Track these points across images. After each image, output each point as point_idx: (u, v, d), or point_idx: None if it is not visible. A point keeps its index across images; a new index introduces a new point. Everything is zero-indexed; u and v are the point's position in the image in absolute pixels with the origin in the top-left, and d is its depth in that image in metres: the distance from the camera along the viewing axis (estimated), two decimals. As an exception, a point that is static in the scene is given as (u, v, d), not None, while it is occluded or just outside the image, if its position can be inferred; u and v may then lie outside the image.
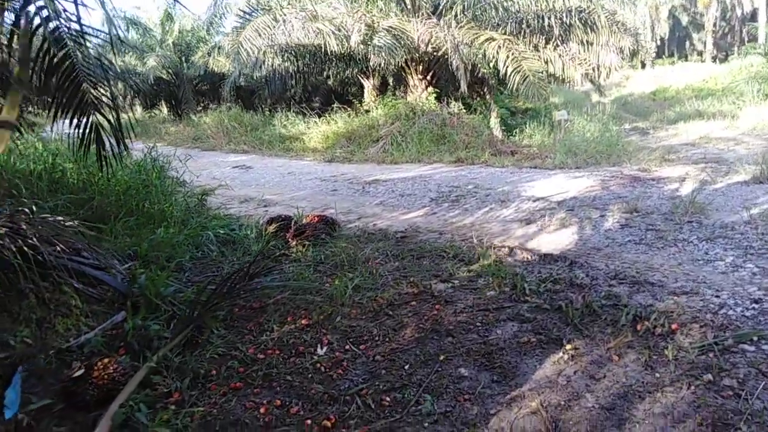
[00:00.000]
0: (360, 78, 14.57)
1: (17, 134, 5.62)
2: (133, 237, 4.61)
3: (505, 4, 11.71)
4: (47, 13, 3.60)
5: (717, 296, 3.27)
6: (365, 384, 2.63)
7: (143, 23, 20.31)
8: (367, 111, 13.47)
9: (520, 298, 3.43)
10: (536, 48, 11.42)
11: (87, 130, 4.01)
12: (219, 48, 18.17)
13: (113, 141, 4.07)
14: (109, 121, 3.99)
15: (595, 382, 2.48)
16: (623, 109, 18.64)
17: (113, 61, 5.18)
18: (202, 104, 20.01)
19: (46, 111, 4.76)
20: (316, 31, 10.94)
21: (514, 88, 10.48)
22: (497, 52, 10.11)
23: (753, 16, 37.56)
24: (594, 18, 10.88)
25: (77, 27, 3.79)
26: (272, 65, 13.54)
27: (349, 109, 13.86)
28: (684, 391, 2.34)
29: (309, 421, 2.37)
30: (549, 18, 10.88)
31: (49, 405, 2.49)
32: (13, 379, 2.47)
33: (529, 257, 4.28)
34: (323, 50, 11.65)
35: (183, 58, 19.31)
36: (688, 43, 46.37)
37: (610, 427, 2.17)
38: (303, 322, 3.33)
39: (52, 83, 3.89)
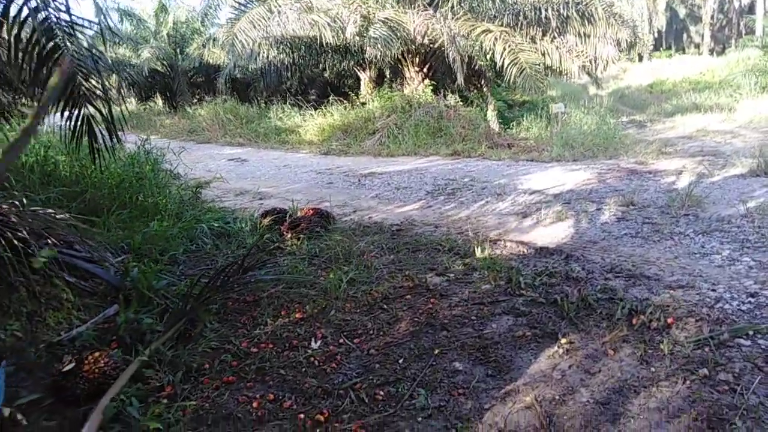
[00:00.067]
0: (356, 70, 14.48)
1: (7, 126, 5.57)
2: (126, 230, 4.57)
3: (502, -5, 11.64)
4: (36, 3, 3.55)
5: (713, 290, 3.26)
6: (359, 378, 2.61)
7: (137, 14, 20.11)
8: (364, 103, 13.40)
9: (516, 292, 3.42)
10: (533, 40, 11.36)
11: (79, 122, 3.97)
12: (214, 40, 18.01)
13: (105, 133, 4.03)
14: (101, 112, 3.94)
15: (590, 377, 2.47)
16: (620, 101, 18.62)
17: (104, 52, 5.11)
18: (197, 96, 19.87)
19: (35, 102, 4.70)
20: (312, 22, 10.84)
21: (511, 81, 10.43)
22: (494, 44, 10.06)
23: (751, 9, 37.51)
24: (591, 10, 10.83)
25: (67, 17, 3.75)
26: (267, 57, 13.44)
27: (345, 101, 13.78)
28: (679, 385, 2.33)
29: (302, 416, 2.35)
30: (546, 10, 10.82)
31: (38, 399, 2.47)
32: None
33: (525, 250, 4.27)
34: (319, 42, 11.54)
35: (178, 50, 19.14)
36: (685, 36, 46.31)
37: (605, 422, 2.16)
38: (297, 315, 3.31)
39: (43, 75, 3.84)
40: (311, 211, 5.28)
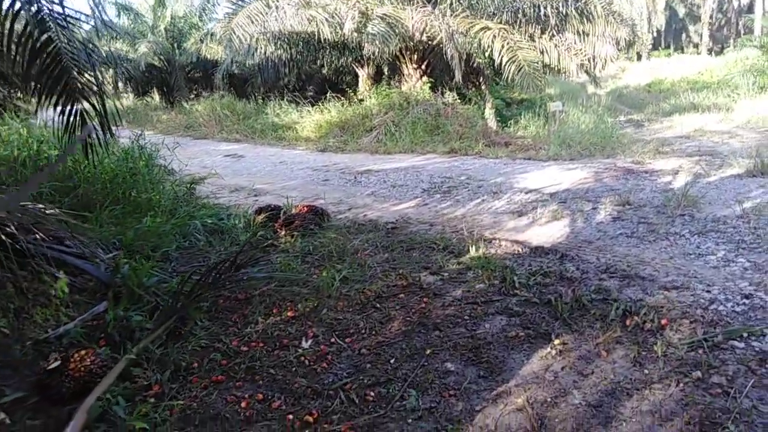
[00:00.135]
0: (354, 67, 14.41)
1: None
2: (118, 226, 4.53)
3: (501, -8, 11.59)
4: (28, -5, 3.50)
5: (708, 291, 3.24)
6: (350, 378, 2.58)
7: (134, 9, 19.99)
8: (361, 100, 13.34)
9: (510, 292, 3.39)
10: (532, 38, 11.30)
11: (72, 117, 3.92)
12: (212, 35, 17.94)
13: (99, 128, 3.98)
14: (94, 107, 3.90)
15: (583, 379, 2.44)
16: (619, 101, 18.60)
17: (99, 46, 5.06)
18: (194, 92, 19.79)
19: (29, 97, 4.66)
20: (310, 18, 10.77)
21: (510, 79, 10.38)
22: (492, 42, 10.01)
23: (750, 8, 37.52)
24: (590, 8, 10.78)
25: (60, 9, 3.70)
26: (265, 53, 13.36)
27: (342, 98, 13.72)
28: (672, 388, 2.31)
29: (291, 416, 2.32)
30: (545, 7, 10.77)
31: (23, 397, 2.43)
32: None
33: (520, 250, 4.24)
34: (317, 38, 11.49)
35: (175, 45, 19.05)
36: (684, 35, 46.31)
37: (597, 425, 2.13)
38: (289, 314, 3.28)
39: (36, 68, 3.80)
40: (306, 209, 5.25)
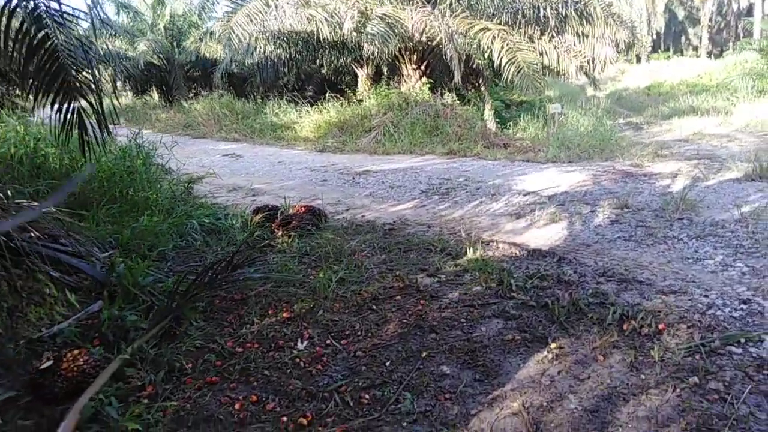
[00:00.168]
0: (354, 67, 14.40)
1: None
2: (115, 224, 4.51)
3: (501, -7, 11.58)
4: (25, -9, 3.48)
5: (705, 296, 3.22)
6: (344, 381, 2.56)
7: (134, 7, 19.95)
8: (360, 101, 13.33)
9: (507, 295, 3.37)
10: (531, 39, 11.30)
11: (69, 114, 3.90)
12: (211, 33, 17.91)
13: (96, 125, 3.96)
14: (91, 104, 3.88)
15: (579, 383, 2.43)
16: (618, 103, 18.61)
17: (96, 43, 5.04)
18: (193, 91, 19.75)
19: (26, 94, 4.63)
20: (309, 17, 10.76)
21: (509, 80, 10.37)
22: (492, 43, 10.00)
23: (749, 11, 37.58)
24: (590, 9, 10.77)
25: (56, 6, 3.68)
26: (264, 52, 13.33)
27: (342, 98, 13.71)
28: (669, 393, 2.29)
29: (285, 418, 2.31)
30: (545, 8, 10.76)
31: (15, 397, 2.42)
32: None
33: (517, 252, 4.22)
34: (316, 37, 11.47)
35: (174, 44, 19.02)
36: (683, 38, 46.37)
37: (593, 430, 2.12)
38: (284, 315, 3.26)
39: (32, 65, 3.78)
40: (303, 209, 5.23)
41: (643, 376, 2.43)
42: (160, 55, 18.44)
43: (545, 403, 2.30)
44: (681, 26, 45.68)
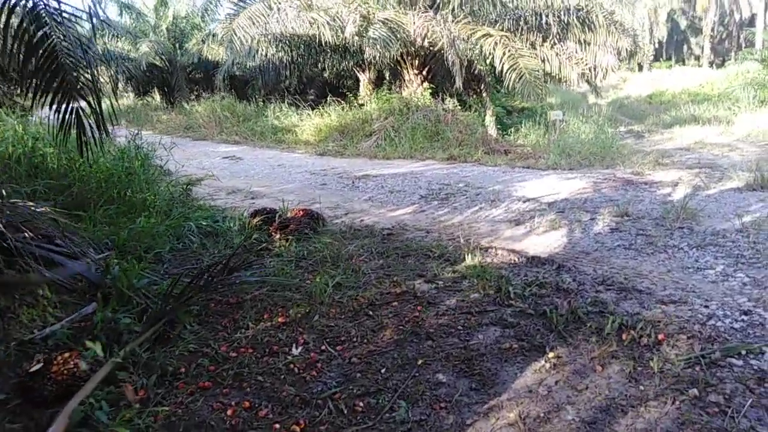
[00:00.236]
0: (356, 71, 14.40)
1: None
2: (112, 226, 4.48)
3: (503, 0, 11.58)
4: (24, -11, 3.46)
5: (706, 306, 3.19)
6: (339, 387, 2.53)
7: (137, 8, 19.98)
8: (362, 105, 13.32)
9: (504, 302, 3.34)
10: (533, 46, 11.30)
11: (67, 114, 3.88)
12: (213, 36, 17.93)
13: (95, 126, 3.94)
14: (90, 104, 3.86)
15: (577, 394, 2.39)
16: (619, 111, 18.60)
17: (96, 43, 5.02)
18: (195, 93, 19.75)
19: (24, 93, 4.62)
20: (311, 20, 10.75)
21: (511, 86, 10.36)
22: (494, 49, 9.99)
23: (751, 22, 37.65)
24: (592, 17, 10.78)
25: (56, 5, 3.66)
26: (266, 55, 13.33)
27: (343, 102, 13.70)
28: (668, 406, 2.25)
29: (277, 425, 2.27)
30: (547, 16, 10.76)
31: (4, 400, 2.38)
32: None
33: (516, 259, 4.19)
34: (318, 41, 11.46)
35: (177, 45, 19.03)
36: (686, 47, 46.43)
37: (590, 442, 2.08)
38: (280, 320, 3.23)
39: (31, 64, 3.76)
40: (301, 213, 5.20)
41: (642, 388, 2.39)
42: (163, 57, 18.45)
43: (542, 414, 2.26)
44: (683, 35, 45.75)
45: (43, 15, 3.67)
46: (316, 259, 4.22)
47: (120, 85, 19.92)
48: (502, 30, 10.65)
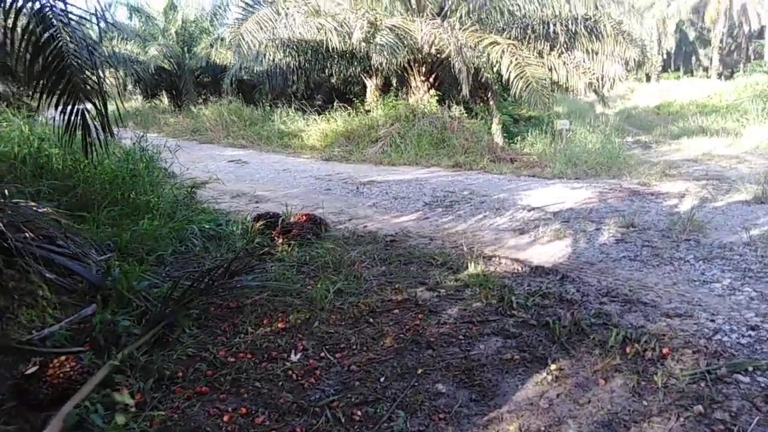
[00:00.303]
0: (363, 77, 14.43)
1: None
2: (115, 227, 4.48)
3: (511, 8, 11.57)
4: (31, -8, 3.48)
5: (712, 320, 3.13)
6: (337, 395, 2.49)
7: (146, 11, 20.13)
8: (368, 111, 13.33)
9: (507, 312, 3.29)
10: (540, 54, 11.28)
11: (73, 116, 3.88)
12: (222, 40, 18.03)
13: (100, 127, 3.94)
14: (95, 106, 3.86)
15: (579, 407, 2.34)
16: (627, 121, 18.54)
17: (102, 45, 5.04)
18: (202, 96, 19.84)
19: (32, 94, 4.63)
20: (318, 26, 10.78)
21: (517, 95, 10.34)
22: (501, 57, 9.99)
23: (760, 34, 37.53)
24: (600, 27, 10.75)
25: (62, 6, 3.67)
26: (273, 59, 13.38)
27: (349, 108, 13.72)
28: (672, 422, 2.20)
29: (273, 433, 2.24)
30: (554, 25, 10.74)
31: (-1, 401, 2.36)
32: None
33: (520, 268, 4.15)
34: (325, 47, 11.49)
35: (185, 49, 19.15)
36: (694, 59, 46.28)
37: (592, 457, 2.04)
38: (279, 325, 3.20)
39: (38, 66, 3.77)
40: (305, 217, 5.18)
41: (645, 403, 2.34)
42: (171, 60, 18.56)
43: (543, 428, 2.21)
44: (692, 47, 45.63)
45: (50, 17, 3.68)
46: (318, 264, 4.19)
47: (128, 88, 20.05)
48: (509, 38, 10.64)
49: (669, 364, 2.64)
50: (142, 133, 6.19)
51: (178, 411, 2.41)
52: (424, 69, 12.38)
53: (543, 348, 2.85)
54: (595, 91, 13.20)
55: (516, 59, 9.92)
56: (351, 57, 13.06)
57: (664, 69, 43.05)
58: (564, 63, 11.27)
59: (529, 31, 11.11)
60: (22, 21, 3.70)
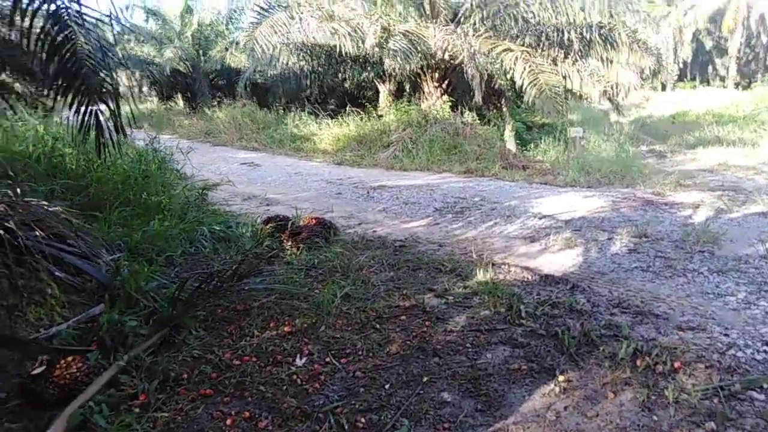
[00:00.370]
0: (376, 82, 14.44)
1: (13, 114, 5.55)
2: (126, 227, 4.50)
3: (525, 15, 11.51)
4: (46, -7, 3.51)
5: (726, 335, 3.06)
6: (341, 402, 2.47)
7: (163, 14, 20.35)
8: (381, 116, 13.33)
9: (515, 321, 3.25)
10: (554, 62, 11.19)
11: (86, 116, 3.91)
12: (236, 43, 18.15)
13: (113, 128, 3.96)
14: (109, 107, 3.89)
15: (587, 421, 2.30)
16: (642, 130, 18.32)
17: (116, 47, 5.09)
18: (217, 99, 19.99)
19: (48, 94, 4.68)
20: (332, 31, 10.80)
21: (531, 102, 10.26)
22: (514, 64, 9.92)
23: (779, 45, 37.02)
24: (615, 35, 10.65)
25: (77, 7, 3.71)
26: (287, 63, 13.43)
27: (362, 112, 13.73)
28: (683, 438, 2.16)
29: (276, 439, 2.22)
30: (569, 32, 10.66)
31: (4, 399, 2.37)
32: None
33: (529, 277, 4.10)
34: (339, 51, 11.51)
35: (200, 52, 19.32)
36: (710, 68, 45.78)
37: (599, 473, 1.99)
38: (285, 329, 3.19)
39: (53, 66, 3.81)
40: (314, 221, 5.18)
41: (655, 418, 2.29)
42: (186, 63, 18.73)
43: (549, 440, 2.18)
44: (708, 56, 45.15)
45: (65, 18, 3.72)
46: (326, 268, 4.18)
47: (144, 89, 20.25)
48: (523, 45, 10.58)
49: (681, 378, 2.58)
50: (154, 135, 6.23)
51: (181, 413, 2.41)
52: (437, 75, 12.36)
53: (551, 359, 2.81)
54: (609, 100, 13.08)
55: (530, 66, 9.85)
56: (364, 62, 13.07)
57: (680, 78, 42.62)
58: (578, 71, 11.18)
59: (543, 39, 11.04)
60: (39, 22, 3.74)
